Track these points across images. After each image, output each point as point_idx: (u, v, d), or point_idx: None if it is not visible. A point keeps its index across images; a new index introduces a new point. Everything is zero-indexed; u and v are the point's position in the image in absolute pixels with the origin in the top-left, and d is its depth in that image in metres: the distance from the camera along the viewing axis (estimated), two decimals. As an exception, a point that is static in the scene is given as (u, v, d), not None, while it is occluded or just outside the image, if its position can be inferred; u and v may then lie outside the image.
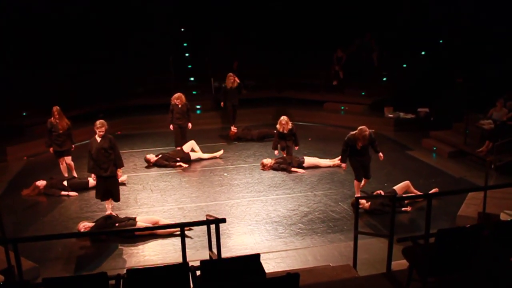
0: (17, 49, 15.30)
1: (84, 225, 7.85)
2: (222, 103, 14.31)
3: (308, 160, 11.13)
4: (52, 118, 10.19)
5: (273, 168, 11.00)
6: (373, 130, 8.92)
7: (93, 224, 7.94)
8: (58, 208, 9.26)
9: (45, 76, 15.43)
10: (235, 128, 13.86)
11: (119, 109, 16.23)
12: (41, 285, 4.39)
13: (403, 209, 8.45)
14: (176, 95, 12.24)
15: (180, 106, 12.11)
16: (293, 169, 10.89)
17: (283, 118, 11.18)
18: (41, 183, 9.97)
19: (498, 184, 8.82)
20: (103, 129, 8.29)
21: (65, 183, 9.99)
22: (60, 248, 7.48)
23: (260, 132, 13.63)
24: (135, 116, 15.90)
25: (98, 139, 8.34)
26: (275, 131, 11.49)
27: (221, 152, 12.15)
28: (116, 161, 8.47)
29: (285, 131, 11.13)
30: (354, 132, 8.79)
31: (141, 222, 8.07)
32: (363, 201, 8.56)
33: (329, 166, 11.09)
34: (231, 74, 14.00)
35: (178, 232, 7.40)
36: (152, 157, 11.47)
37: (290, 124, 11.14)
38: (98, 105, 15.95)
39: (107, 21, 17.18)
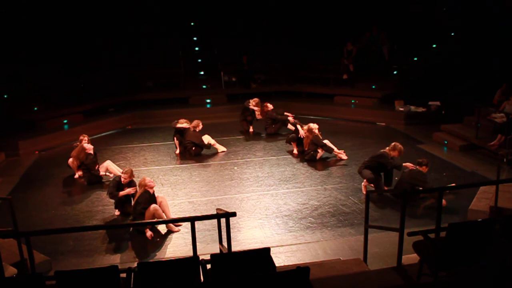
0: (28, 44, 15.41)
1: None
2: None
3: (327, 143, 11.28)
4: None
5: (314, 141, 10.97)
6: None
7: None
8: (70, 202, 9.34)
9: (56, 71, 15.55)
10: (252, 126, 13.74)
11: (129, 103, 16.29)
12: (54, 278, 4.43)
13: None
14: (181, 120, 12.02)
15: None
16: (336, 151, 11.06)
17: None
18: (89, 146, 10.28)
19: (510, 178, 8.75)
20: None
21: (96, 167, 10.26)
22: (71, 242, 7.55)
23: (276, 128, 13.37)
24: (145, 110, 15.93)
25: None
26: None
27: (223, 148, 12.10)
28: None
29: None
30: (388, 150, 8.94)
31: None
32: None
33: (335, 153, 11.18)
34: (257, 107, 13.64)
35: (176, 229, 7.78)
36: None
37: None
38: (108, 99, 16.06)
39: (117, 15, 17.24)
